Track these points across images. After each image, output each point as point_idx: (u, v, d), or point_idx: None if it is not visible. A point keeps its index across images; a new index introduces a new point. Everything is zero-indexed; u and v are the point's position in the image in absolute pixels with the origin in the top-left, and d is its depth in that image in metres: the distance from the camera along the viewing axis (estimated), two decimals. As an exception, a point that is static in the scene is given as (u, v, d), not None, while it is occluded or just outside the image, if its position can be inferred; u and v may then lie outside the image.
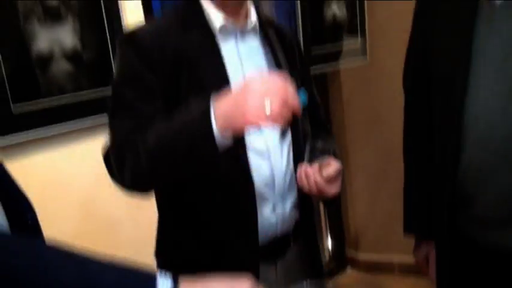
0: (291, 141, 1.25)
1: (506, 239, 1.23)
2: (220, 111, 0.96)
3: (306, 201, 1.32)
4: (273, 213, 1.24)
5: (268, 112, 0.93)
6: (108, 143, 1.14)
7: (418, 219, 1.45)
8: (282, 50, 1.32)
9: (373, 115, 2.82)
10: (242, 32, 1.24)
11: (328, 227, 3.26)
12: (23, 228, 0.94)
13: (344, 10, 2.41)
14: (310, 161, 1.20)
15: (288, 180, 1.27)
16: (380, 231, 3.02)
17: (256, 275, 1.17)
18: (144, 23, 1.28)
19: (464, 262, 1.33)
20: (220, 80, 1.15)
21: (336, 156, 1.29)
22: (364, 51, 2.55)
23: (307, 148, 1.21)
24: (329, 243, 3.27)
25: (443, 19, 1.29)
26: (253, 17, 1.25)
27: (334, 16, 2.37)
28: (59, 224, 1.65)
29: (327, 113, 3.04)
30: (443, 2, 1.30)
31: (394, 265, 3.00)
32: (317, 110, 1.47)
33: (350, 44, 2.51)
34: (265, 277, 1.24)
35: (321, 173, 1.17)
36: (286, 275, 1.32)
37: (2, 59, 1.52)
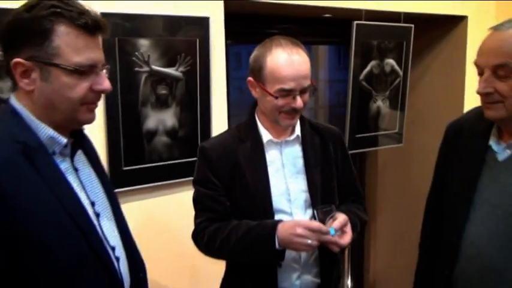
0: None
1: None
2: (280, 238, 1.40)
3: (329, 269, 1.58)
4: (298, 280, 1.53)
5: (309, 247, 1.40)
6: (195, 228, 1.56)
7: None
8: (322, 150, 1.59)
9: (402, 186, 3.05)
10: (287, 142, 1.55)
11: (349, 273, 3.46)
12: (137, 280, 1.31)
13: (388, 104, 2.65)
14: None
15: (313, 258, 1.54)
16: (395, 282, 3.17)
17: None
18: (214, 136, 1.68)
19: None
20: (262, 184, 1.49)
21: (349, 212, 1.53)
22: (400, 140, 2.75)
23: (316, 213, 1.46)
24: (349, 285, 3.47)
25: (459, 162, 1.49)
26: (297, 131, 1.56)
27: (378, 109, 2.62)
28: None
29: (362, 182, 3.30)
30: (461, 149, 1.50)
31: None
32: (352, 187, 1.70)
33: (388, 132, 2.73)
34: None
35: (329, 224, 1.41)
36: None
37: (123, 132, 1.87)
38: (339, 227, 1.41)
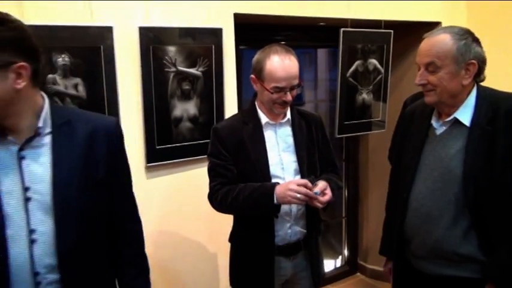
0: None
1: (426, 267, 1.68)
2: (277, 194, 1.70)
3: (312, 223, 1.88)
4: (289, 229, 1.83)
5: (298, 200, 1.68)
6: (210, 190, 1.84)
7: (386, 247, 1.94)
8: (307, 131, 1.88)
9: (388, 164, 3.19)
10: (280, 124, 1.86)
11: (346, 242, 3.76)
12: None
13: (371, 96, 2.97)
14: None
15: (300, 212, 1.84)
16: None
17: (272, 264, 1.81)
18: (224, 119, 1.97)
19: (407, 276, 1.79)
20: (261, 156, 1.78)
21: (329, 180, 1.79)
22: (383, 126, 3.08)
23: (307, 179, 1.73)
24: (346, 253, 3.78)
25: (410, 138, 1.77)
26: (288, 115, 1.86)
27: (363, 100, 2.95)
28: (176, 216, 2.36)
29: (356, 162, 3.62)
30: (412, 128, 1.77)
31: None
32: (330, 160, 1.98)
33: (373, 119, 3.06)
34: (283, 266, 1.87)
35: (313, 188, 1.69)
36: (296, 267, 1.91)
37: (156, 118, 2.22)
38: (321, 189, 1.72)
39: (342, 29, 2.73)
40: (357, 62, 2.87)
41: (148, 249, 1.51)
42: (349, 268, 3.77)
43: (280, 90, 1.72)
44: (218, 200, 1.80)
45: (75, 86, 2.03)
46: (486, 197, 1.54)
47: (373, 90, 3.00)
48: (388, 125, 3.10)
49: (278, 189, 1.71)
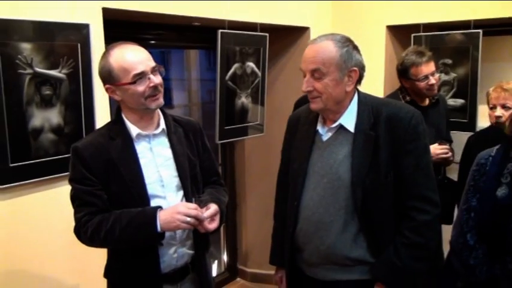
0: None
1: (319, 273, 1.69)
2: (161, 220, 1.52)
3: (200, 241, 1.72)
4: (175, 254, 1.64)
5: (186, 224, 1.53)
6: (77, 223, 1.58)
7: (277, 256, 1.90)
8: (186, 140, 1.71)
9: (265, 169, 3.33)
10: (154, 135, 1.64)
11: (225, 247, 3.70)
12: None
13: (250, 100, 2.94)
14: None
15: (186, 232, 1.66)
16: (263, 251, 3.25)
17: None
18: (86, 136, 1.71)
19: (300, 283, 1.77)
20: (135, 175, 1.57)
21: (219, 201, 1.67)
22: (262, 130, 3.08)
23: (194, 201, 1.60)
24: (225, 258, 3.71)
25: (297, 144, 1.74)
26: (162, 124, 1.66)
27: (242, 104, 2.90)
28: (35, 240, 2.03)
29: (233, 168, 3.57)
30: (298, 134, 1.74)
31: (272, 277, 3.43)
32: (213, 169, 1.84)
33: (252, 123, 3.05)
34: None
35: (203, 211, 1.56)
36: None
37: (8, 131, 1.85)
38: (209, 216, 1.59)
39: (220, 30, 2.62)
40: (235, 65, 2.80)
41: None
42: (229, 274, 3.70)
43: (142, 75, 1.53)
44: (88, 234, 1.55)
45: None
46: (372, 201, 1.59)
47: (251, 94, 2.96)
48: (266, 129, 3.08)
49: (162, 215, 1.53)
